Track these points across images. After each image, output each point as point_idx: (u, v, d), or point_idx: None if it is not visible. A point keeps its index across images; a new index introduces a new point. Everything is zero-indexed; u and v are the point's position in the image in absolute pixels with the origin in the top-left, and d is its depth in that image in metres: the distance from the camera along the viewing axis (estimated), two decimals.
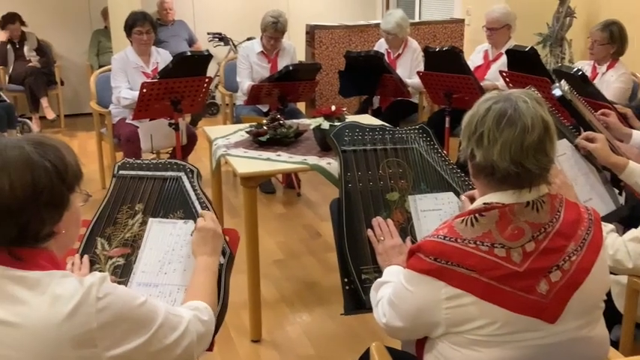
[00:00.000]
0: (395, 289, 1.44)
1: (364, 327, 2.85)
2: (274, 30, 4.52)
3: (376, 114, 4.67)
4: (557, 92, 2.62)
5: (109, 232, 1.76)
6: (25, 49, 6.61)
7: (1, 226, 1.15)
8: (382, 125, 2.03)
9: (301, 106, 5.28)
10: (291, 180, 4.74)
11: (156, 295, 1.62)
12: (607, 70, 3.89)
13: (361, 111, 4.77)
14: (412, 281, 1.36)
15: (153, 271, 1.67)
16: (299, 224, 4.16)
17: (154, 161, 1.87)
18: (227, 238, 1.72)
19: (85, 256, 1.70)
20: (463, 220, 1.33)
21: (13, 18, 6.46)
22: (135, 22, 4.26)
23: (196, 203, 1.78)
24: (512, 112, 1.32)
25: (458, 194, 1.91)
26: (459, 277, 1.28)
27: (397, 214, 1.88)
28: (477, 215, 1.32)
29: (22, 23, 6.55)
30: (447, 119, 4.26)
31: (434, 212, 1.88)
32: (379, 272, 1.76)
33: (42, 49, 6.72)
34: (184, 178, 1.83)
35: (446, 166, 1.97)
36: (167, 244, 1.70)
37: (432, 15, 7.07)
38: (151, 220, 1.76)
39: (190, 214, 1.75)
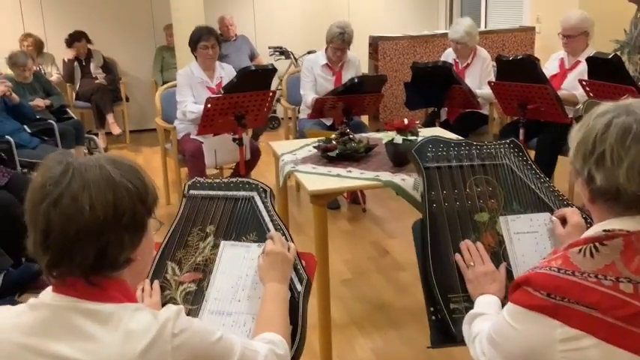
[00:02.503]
0: (496, 325, 1.28)
1: (442, 353, 2.67)
2: (341, 41, 4.42)
3: (444, 126, 4.49)
4: None
5: (180, 255, 1.66)
6: (92, 66, 6.74)
7: (80, 249, 1.06)
8: (467, 140, 1.87)
9: (364, 119, 5.16)
10: (356, 195, 4.61)
11: (229, 324, 1.51)
12: None
13: (428, 123, 4.60)
14: (519, 318, 1.19)
15: (226, 299, 1.56)
16: (366, 241, 4.02)
17: (225, 180, 1.77)
18: (303, 262, 1.60)
19: (156, 282, 1.61)
20: (580, 249, 1.16)
21: (79, 36, 6.60)
22: (200, 37, 4.24)
23: (270, 225, 1.66)
24: (638, 126, 1.14)
25: None
26: (578, 316, 1.11)
27: (487, 237, 1.71)
28: (597, 244, 1.15)
29: (89, 41, 6.68)
30: (522, 131, 4.04)
31: (529, 235, 1.71)
32: (470, 302, 1.60)
33: (108, 66, 6.84)
34: (257, 198, 1.72)
35: (541, 184, 1.79)
36: (240, 269, 1.59)
37: (500, 23, 6.83)
38: (223, 242, 1.66)
39: (264, 237, 1.64)
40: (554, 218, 1.70)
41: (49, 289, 1.12)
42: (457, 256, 1.66)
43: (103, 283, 1.09)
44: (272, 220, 1.67)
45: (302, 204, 4.70)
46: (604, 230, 1.17)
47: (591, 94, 3.76)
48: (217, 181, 1.78)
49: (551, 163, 4.17)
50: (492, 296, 1.56)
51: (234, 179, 1.77)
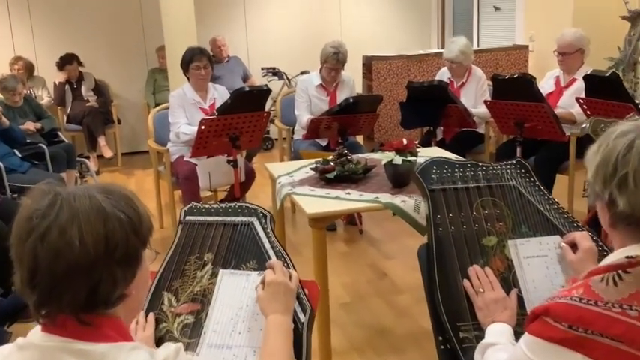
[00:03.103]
0: (513, 357, 1.21)
1: None
2: (336, 61, 4.39)
3: (440, 146, 4.45)
4: None
5: (177, 285, 1.59)
6: (83, 89, 6.69)
7: (69, 287, 0.99)
8: (473, 161, 1.82)
9: (359, 139, 5.11)
10: (352, 216, 4.54)
11: (230, 358, 1.43)
12: None
13: (424, 143, 4.56)
14: (538, 351, 1.13)
15: (225, 331, 1.49)
16: (363, 263, 3.95)
17: (224, 205, 1.70)
18: (306, 291, 1.52)
19: (151, 314, 1.53)
20: (602, 277, 1.10)
21: (71, 59, 6.55)
22: (192, 57, 4.20)
23: (271, 252, 1.59)
24: None
25: None
26: (603, 348, 1.05)
27: (496, 262, 1.65)
28: (620, 272, 1.09)
29: (80, 64, 6.64)
30: (519, 150, 4.01)
31: (539, 259, 1.65)
32: (480, 330, 1.53)
33: (99, 89, 6.78)
34: (257, 224, 1.65)
35: (549, 206, 1.73)
36: (240, 300, 1.52)
37: (492, 42, 6.84)
38: (221, 271, 1.58)
39: (265, 265, 1.57)
40: (563, 244, 1.63)
41: (38, 327, 1.05)
42: (466, 282, 1.60)
43: (96, 321, 1.02)
44: (272, 247, 1.60)
45: (297, 225, 4.63)
46: (626, 257, 1.11)
47: (589, 112, 3.73)
48: (215, 206, 1.71)
49: (549, 182, 4.13)
50: (504, 324, 1.49)
51: (232, 204, 1.70)
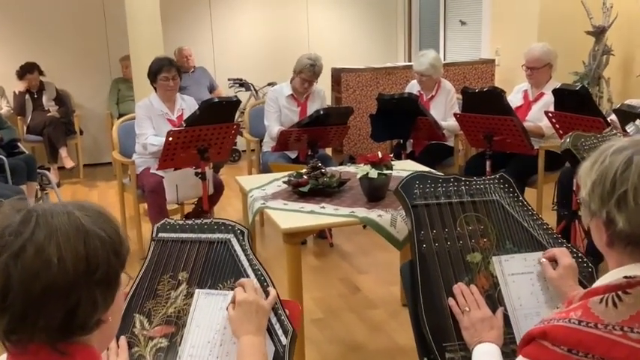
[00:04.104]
0: None
1: None
2: (312, 73, 4.36)
3: (410, 158, 4.44)
4: (634, 132, 2.38)
5: (149, 307, 1.50)
6: (44, 98, 6.51)
7: (45, 310, 0.90)
8: (456, 175, 1.78)
9: (327, 151, 5.07)
10: (322, 230, 4.48)
11: None
12: None
13: (394, 156, 4.53)
14: None
15: (202, 355, 1.40)
16: (335, 277, 3.88)
17: (199, 222, 1.62)
18: (287, 312, 1.46)
19: (122, 338, 1.44)
20: (602, 299, 1.06)
21: (31, 68, 6.37)
22: (161, 68, 4.10)
23: (249, 270, 1.52)
24: None
25: None
26: None
27: (481, 279, 1.61)
28: (619, 293, 1.05)
29: (41, 73, 6.46)
30: (488, 163, 4.02)
31: (524, 276, 1.61)
32: (466, 351, 1.49)
33: (61, 99, 6.61)
34: (234, 241, 1.57)
35: (533, 221, 1.71)
36: (217, 322, 1.44)
37: (458, 56, 6.90)
38: (197, 291, 1.50)
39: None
40: (543, 260, 1.60)
41: (4, 357, 0.96)
42: (451, 301, 1.55)
43: (70, 350, 0.94)
44: (251, 265, 1.53)
45: (266, 239, 4.55)
46: (625, 277, 1.07)
47: (558, 126, 3.77)
48: (190, 222, 1.63)
49: None
50: (491, 344, 1.44)
51: (208, 220, 1.62)
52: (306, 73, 4.35)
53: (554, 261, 1.59)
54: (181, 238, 1.60)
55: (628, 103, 3.36)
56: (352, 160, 5.37)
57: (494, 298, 1.58)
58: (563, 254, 1.58)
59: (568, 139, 2.38)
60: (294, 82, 4.48)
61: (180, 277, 1.53)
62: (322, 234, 4.49)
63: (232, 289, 1.50)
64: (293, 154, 4.55)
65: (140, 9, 5.17)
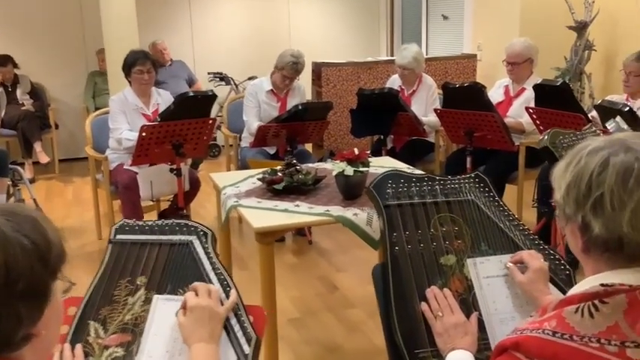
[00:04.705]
0: None
1: None
2: (294, 71, 4.27)
3: (390, 154, 4.38)
4: (614, 130, 2.33)
5: (105, 313, 1.42)
6: (18, 92, 6.35)
7: None
8: (430, 174, 1.71)
9: (307, 147, 5.00)
10: (301, 227, 4.41)
11: None
12: None
13: (374, 151, 4.48)
14: None
15: None
16: (313, 276, 3.81)
17: (160, 222, 1.54)
18: (251, 318, 1.38)
19: (78, 347, 1.36)
20: (577, 308, 0.99)
21: (5, 60, 6.22)
22: (135, 61, 3.99)
23: (212, 274, 1.44)
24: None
25: None
26: None
27: (455, 282, 1.54)
28: (595, 302, 0.99)
29: (15, 66, 6.32)
30: (469, 159, 3.97)
31: (500, 279, 1.55)
32: (439, 357, 1.42)
33: (35, 92, 6.46)
34: (196, 243, 1.49)
35: (509, 222, 1.64)
36: (176, 329, 1.36)
37: (440, 51, 6.85)
38: (155, 297, 1.42)
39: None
40: (510, 265, 1.54)
41: None
42: (424, 306, 1.48)
43: None
44: (214, 269, 1.45)
45: (245, 237, 4.47)
46: (602, 284, 1.01)
47: (538, 122, 3.72)
48: (150, 223, 1.55)
49: (498, 192, 4.09)
50: (465, 352, 1.38)
51: (169, 221, 1.54)
52: (288, 70, 4.26)
53: (522, 264, 1.53)
54: (140, 240, 1.51)
55: (609, 99, 3.33)
56: (333, 156, 5.30)
57: (468, 302, 1.52)
58: (532, 257, 1.51)
59: (546, 137, 2.33)
60: (274, 77, 4.39)
61: (138, 282, 1.45)
62: (301, 231, 4.41)
63: None
64: (272, 150, 4.47)
65: (115, 1, 5.04)
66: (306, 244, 4.34)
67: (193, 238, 1.50)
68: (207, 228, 1.52)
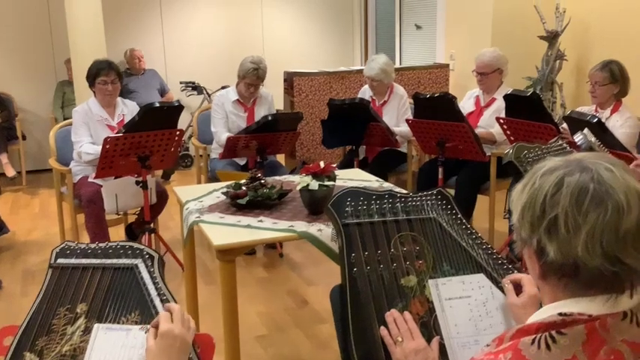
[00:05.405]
0: None
1: None
2: (256, 77, 4.19)
3: (362, 165, 4.33)
4: (582, 142, 2.30)
5: (42, 344, 1.33)
6: None
7: None
8: (391, 190, 1.65)
9: (280, 157, 4.92)
10: None
11: None
12: (611, 114, 3.58)
13: (346, 162, 4.42)
14: None
15: None
16: (283, 290, 3.73)
17: (104, 245, 1.46)
18: (198, 348, 1.30)
19: None
20: (534, 339, 0.93)
21: None
22: (99, 72, 3.88)
23: (157, 301, 1.36)
24: (595, 186, 0.93)
25: (491, 276, 1.52)
26: None
27: (416, 305, 1.48)
28: (552, 333, 0.93)
29: None
30: (441, 169, 3.93)
31: (462, 300, 1.49)
32: None
33: (2, 103, 6.31)
34: (141, 267, 1.41)
35: (472, 240, 1.58)
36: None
37: (414, 60, 6.83)
38: (96, 326, 1.33)
39: (149, 317, 1.33)
40: (508, 285, 1.47)
41: None
42: (383, 330, 1.42)
43: None
44: (159, 294, 1.37)
45: (213, 251, 4.35)
46: (559, 314, 0.95)
47: (509, 132, 3.69)
48: (93, 246, 1.46)
49: (470, 202, 4.07)
50: None
51: (114, 243, 1.46)
52: (250, 77, 4.19)
53: (519, 285, 1.46)
54: (82, 265, 1.43)
55: (578, 110, 3.30)
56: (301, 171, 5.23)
57: (429, 326, 1.46)
58: (530, 282, 1.45)
59: (511, 151, 2.28)
60: (239, 87, 4.32)
61: (78, 310, 1.36)
62: (272, 244, 4.33)
63: (137, 322, 1.34)
64: (242, 161, 4.39)
65: (80, 7, 4.93)
66: (276, 256, 4.26)
67: (139, 262, 1.42)
68: (154, 251, 1.44)
